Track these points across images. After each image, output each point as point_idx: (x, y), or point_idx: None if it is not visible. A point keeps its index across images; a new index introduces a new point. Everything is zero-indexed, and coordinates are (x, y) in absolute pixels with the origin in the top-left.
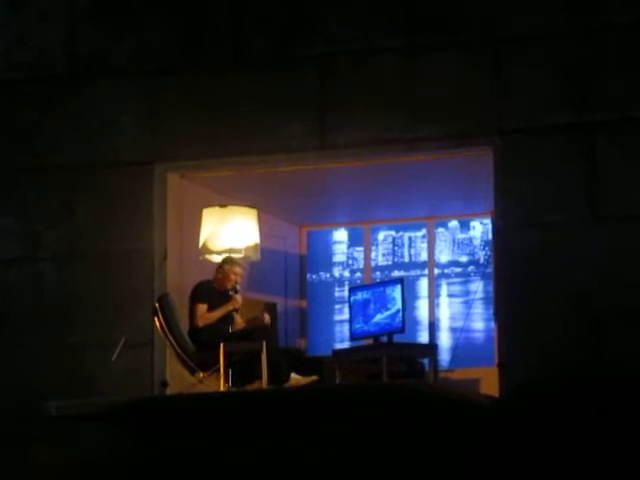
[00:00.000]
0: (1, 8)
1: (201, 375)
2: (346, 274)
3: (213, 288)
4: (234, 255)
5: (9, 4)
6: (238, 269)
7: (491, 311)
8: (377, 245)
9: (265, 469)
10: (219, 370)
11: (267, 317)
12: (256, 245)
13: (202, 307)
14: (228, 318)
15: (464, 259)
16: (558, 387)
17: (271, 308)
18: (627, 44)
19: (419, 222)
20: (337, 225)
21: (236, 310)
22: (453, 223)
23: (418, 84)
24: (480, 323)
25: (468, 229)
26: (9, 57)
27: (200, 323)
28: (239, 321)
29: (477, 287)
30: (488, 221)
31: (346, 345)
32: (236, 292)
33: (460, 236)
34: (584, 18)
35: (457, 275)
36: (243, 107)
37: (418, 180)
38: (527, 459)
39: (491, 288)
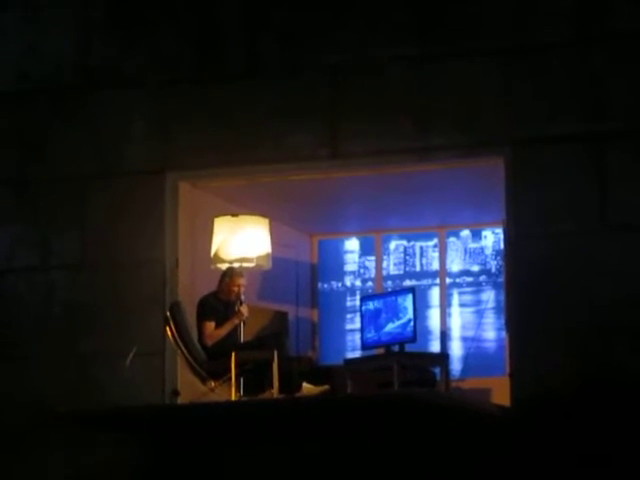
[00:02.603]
0: (13, 18)
1: (212, 384)
2: (357, 283)
3: (218, 300)
4: (245, 264)
5: (21, 14)
6: (239, 280)
7: (502, 320)
8: (388, 254)
9: (276, 478)
10: (230, 379)
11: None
12: (267, 254)
13: (210, 325)
14: (236, 327)
15: (476, 268)
16: (569, 397)
17: (282, 317)
18: (637, 53)
19: (430, 231)
20: (348, 234)
21: (244, 322)
22: (465, 232)
23: (430, 94)
24: (491, 332)
25: (480, 238)
26: (21, 67)
27: (209, 342)
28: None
29: (488, 296)
30: (500, 230)
31: (357, 354)
32: (241, 304)
33: (472, 245)
34: (594, 27)
35: (469, 284)
36: (255, 116)
37: (429, 189)
38: (538, 469)
39: (502, 297)
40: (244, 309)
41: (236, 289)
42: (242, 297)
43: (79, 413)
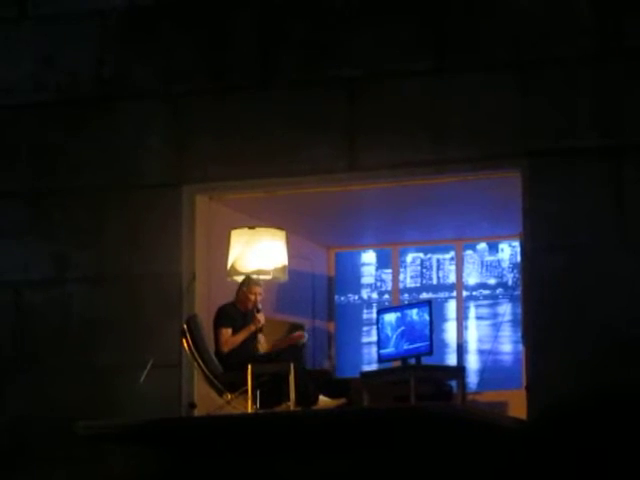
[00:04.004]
0: (29, 30)
1: (229, 397)
2: (374, 296)
3: (236, 310)
4: (262, 277)
5: (37, 26)
6: (257, 288)
7: (519, 334)
8: (405, 267)
9: None
10: (247, 392)
11: (300, 335)
12: (284, 266)
13: (226, 332)
14: (253, 338)
15: (492, 281)
16: (586, 410)
17: (299, 330)
18: None
19: (447, 244)
20: (365, 247)
21: (260, 329)
22: (481, 245)
23: (446, 106)
24: (508, 346)
25: (496, 251)
26: (37, 79)
27: (225, 349)
28: (262, 342)
29: (505, 309)
30: (516, 243)
31: (374, 367)
32: (258, 311)
33: (488, 258)
34: (612, 41)
35: (485, 297)
36: (272, 129)
37: (446, 202)
38: None
39: (519, 310)
40: (260, 316)
41: (253, 297)
42: (259, 305)
43: (97, 426)
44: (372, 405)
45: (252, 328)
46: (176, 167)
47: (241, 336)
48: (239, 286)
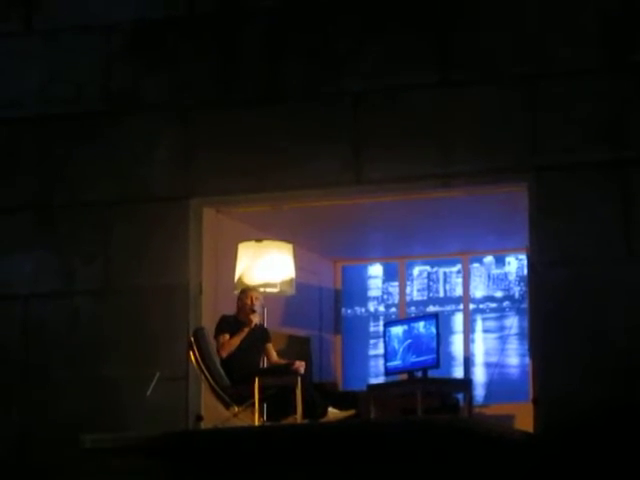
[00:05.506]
0: (36, 44)
1: (236, 409)
2: (381, 309)
3: (236, 320)
4: (269, 290)
5: (44, 40)
6: (252, 293)
7: (526, 346)
8: (412, 280)
9: None
10: (254, 404)
11: (300, 364)
12: (291, 280)
13: (223, 337)
14: (260, 349)
15: (499, 294)
16: (593, 423)
17: (305, 343)
18: None
19: (454, 257)
20: (372, 260)
21: (268, 338)
22: (488, 258)
23: (453, 119)
24: (515, 358)
25: (503, 264)
26: (44, 92)
27: (223, 353)
28: (273, 353)
29: (512, 322)
30: (523, 256)
31: (381, 380)
32: (253, 311)
33: (495, 271)
34: (620, 54)
35: (492, 310)
36: (278, 141)
37: (453, 215)
38: None
39: (526, 323)
40: (254, 317)
41: (249, 302)
42: (254, 307)
43: (104, 440)
44: (379, 418)
45: (246, 330)
46: (183, 180)
47: (236, 339)
48: (238, 296)
